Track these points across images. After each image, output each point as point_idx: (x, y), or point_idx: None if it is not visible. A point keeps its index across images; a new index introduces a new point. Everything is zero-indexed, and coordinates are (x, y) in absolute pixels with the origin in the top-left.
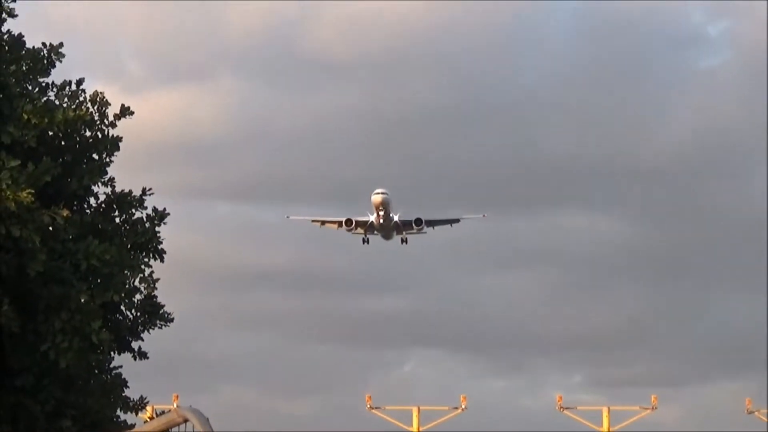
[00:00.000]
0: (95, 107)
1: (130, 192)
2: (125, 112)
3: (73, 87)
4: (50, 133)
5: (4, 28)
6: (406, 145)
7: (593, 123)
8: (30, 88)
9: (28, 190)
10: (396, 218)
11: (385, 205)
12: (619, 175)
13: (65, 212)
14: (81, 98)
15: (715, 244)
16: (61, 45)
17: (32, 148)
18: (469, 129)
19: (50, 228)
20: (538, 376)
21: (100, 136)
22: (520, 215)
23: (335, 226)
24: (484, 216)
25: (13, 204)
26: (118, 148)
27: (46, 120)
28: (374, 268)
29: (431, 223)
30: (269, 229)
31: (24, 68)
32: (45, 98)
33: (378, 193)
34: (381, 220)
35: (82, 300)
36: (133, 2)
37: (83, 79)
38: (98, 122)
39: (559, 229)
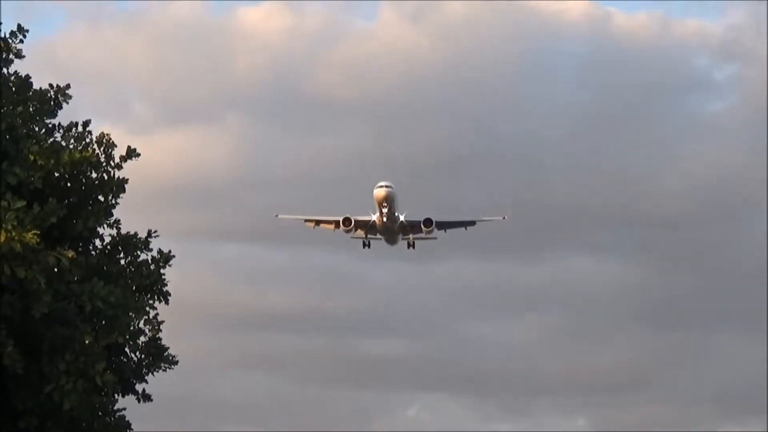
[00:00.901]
0: (101, 149)
1: (136, 234)
2: (131, 154)
3: (80, 128)
4: (56, 175)
5: (11, 69)
6: (411, 188)
7: (599, 169)
8: (36, 129)
9: (33, 231)
10: (402, 218)
11: (389, 201)
12: (625, 221)
13: (70, 254)
14: (87, 140)
15: (720, 291)
16: (68, 86)
17: (38, 189)
18: (474, 173)
19: (55, 269)
20: (542, 420)
21: (106, 177)
22: (525, 260)
23: (331, 227)
24: (505, 218)
25: (18, 245)
26: (124, 190)
27: (53, 161)
28: (379, 310)
29: (443, 226)
30: (275, 271)
31: (31, 109)
32: (51, 139)
33: (381, 187)
34: (385, 219)
35: (87, 342)
36: (140, 44)
37: (89, 120)
38: (104, 164)
39: (563, 274)
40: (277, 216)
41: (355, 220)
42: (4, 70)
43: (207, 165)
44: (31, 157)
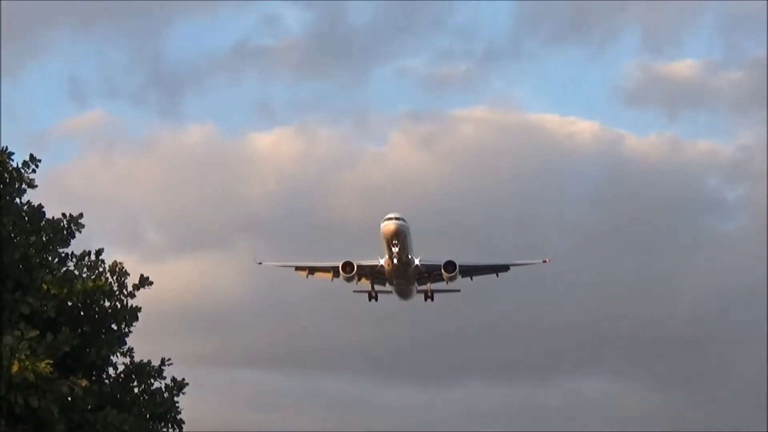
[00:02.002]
0: (114, 277)
1: (149, 362)
2: (144, 282)
3: (93, 257)
4: (69, 304)
5: (24, 199)
6: (420, 312)
7: (610, 288)
8: (49, 258)
9: (46, 361)
10: (417, 261)
11: (401, 238)
12: (638, 340)
13: (84, 382)
14: (100, 269)
15: (733, 409)
16: (80, 216)
17: (51, 319)
18: (485, 293)
19: (69, 398)
20: None
21: (119, 306)
22: (536, 380)
23: (329, 275)
24: (546, 261)
25: (32, 375)
26: (137, 319)
27: (66, 290)
28: None
29: (469, 271)
30: (289, 397)
31: (44, 239)
32: (64, 269)
33: (390, 219)
34: (395, 261)
35: None
36: (152, 171)
37: (102, 249)
38: (117, 293)
39: (575, 394)
40: (260, 263)
41: (358, 265)
42: (17, 199)
43: (219, 291)
44: (45, 287)
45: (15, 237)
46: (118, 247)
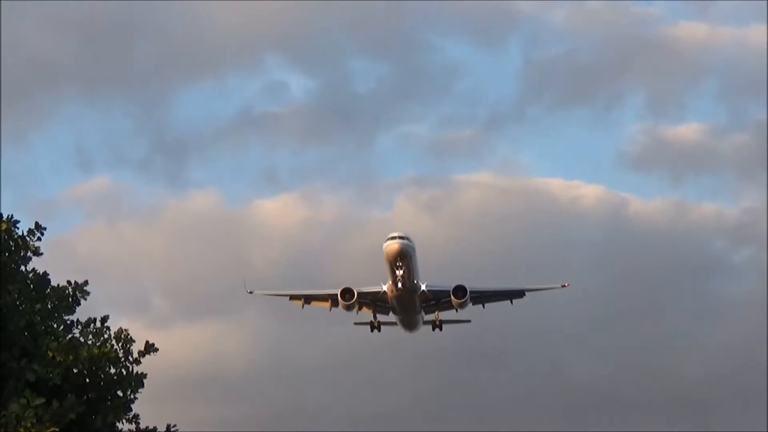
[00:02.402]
0: (120, 344)
1: (155, 429)
2: (150, 349)
3: (98, 324)
4: (75, 371)
5: (29, 266)
6: (429, 376)
7: (616, 351)
8: (55, 326)
9: (52, 429)
10: (424, 287)
11: (405, 260)
12: (643, 402)
13: None
14: (106, 335)
15: None
16: (85, 283)
17: (57, 386)
18: (493, 362)
19: None
20: None
21: (124, 373)
22: None
23: (326, 304)
24: (565, 286)
25: None
26: (142, 385)
27: (71, 358)
28: None
29: (481, 298)
30: None
31: (49, 306)
32: (70, 336)
33: (394, 238)
34: (399, 285)
35: None
36: (158, 238)
37: (108, 316)
38: (123, 359)
39: None
40: (251, 292)
41: (358, 292)
42: (22, 267)
43: (225, 357)
44: (50, 354)
45: (20, 305)
46: (123, 313)
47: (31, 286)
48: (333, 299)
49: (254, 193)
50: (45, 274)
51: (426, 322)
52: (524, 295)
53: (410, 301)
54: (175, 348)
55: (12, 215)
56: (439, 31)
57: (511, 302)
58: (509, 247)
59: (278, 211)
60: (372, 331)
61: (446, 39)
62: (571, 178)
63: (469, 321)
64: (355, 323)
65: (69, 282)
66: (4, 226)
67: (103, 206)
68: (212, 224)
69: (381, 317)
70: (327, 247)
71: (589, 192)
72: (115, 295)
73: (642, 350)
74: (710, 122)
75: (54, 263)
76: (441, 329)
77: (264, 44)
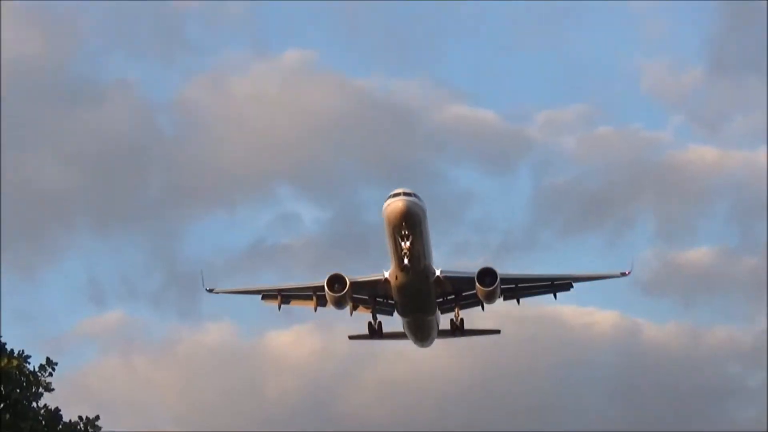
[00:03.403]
0: None
1: None
2: None
3: None
4: None
5: (41, 402)
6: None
7: None
8: None
9: None
10: (438, 272)
11: (414, 224)
12: None
13: None
14: None
15: None
16: (97, 417)
17: None
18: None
19: None
20: None
21: None
22: None
23: (311, 303)
24: (627, 273)
25: None
26: None
27: None
28: None
29: (516, 289)
30: None
31: None
32: None
33: (398, 195)
34: (406, 262)
35: None
36: (171, 372)
37: None
38: None
39: None
40: (211, 290)
41: (352, 282)
42: (34, 403)
43: None
44: None
45: None
46: None
47: (43, 422)
48: (319, 295)
49: (267, 324)
50: (57, 410)
51: (440, 334)
52: (572, 287)
53: (422, 290)
54: None
55: (23, 351)
56: (450, 159)
57: (555, 296)
58: (522, 373)
59: (291, 342)
60: (371, 336)
61: (456, 167)
62: (585, 305)
63: (498, 332)
64: (351, 337)
65: (80, 417)
66: (15, 363)
67: (116, 340)
68: (225, 356)
69: (381, 310)
70: (340, 378)
71: (602, 318)
72: (127, 429)
73: None
74: (721, 245)
75: (66, 398)
76: (463, 332)
77: (275, 175)
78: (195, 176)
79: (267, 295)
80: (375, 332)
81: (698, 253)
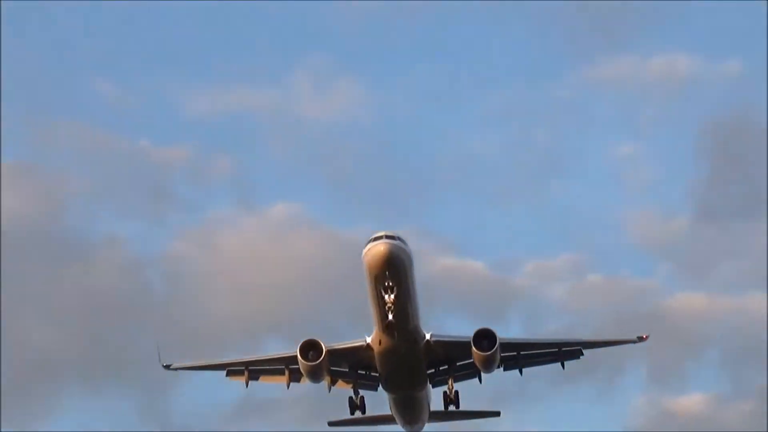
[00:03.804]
0: None
1: None
2: None
3: None
4: None
5: None
6: None
7: None
8: None
9: None
10: (428, 336)
11: (398, 273)
12: None
13: None
14: None
15: None
16: None
17: None
18: None
19: None
20: None
21: None
22: None
23: (283, 378)
24: (644, 338)
25: None
26: None
27: None
28: None
29: (515, 358)
30: None
31: None
32: None
33: (380, 238)
34: (391, 317)
35: None
36: None
37: None
38: None
39: None
40: (168, 366)
41: (329, 349)
42: None
43: None
44: None
45: None
46: None
47: None
48: (292, 369)
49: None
50: None
51: (432, 417)
52: (582, 354)
53: (409, 357)
54: None
55: None
56: (440, 309)
57: (563, 366)
58: None
59: None
60: (352, 416)
61: (447, 317)
62: None
63: (498, 413)
64: (331, 423)
65: None
66: None
67: None
68: None
69: (363, 385)
70: None
71: None
72: None
73: None
74: (714, 392)
75: None
76: (457, 405)
77: (264, 327)
78: (183, 329)
79: (233, 371)
80: (357, 407)
81: (690, 401)
